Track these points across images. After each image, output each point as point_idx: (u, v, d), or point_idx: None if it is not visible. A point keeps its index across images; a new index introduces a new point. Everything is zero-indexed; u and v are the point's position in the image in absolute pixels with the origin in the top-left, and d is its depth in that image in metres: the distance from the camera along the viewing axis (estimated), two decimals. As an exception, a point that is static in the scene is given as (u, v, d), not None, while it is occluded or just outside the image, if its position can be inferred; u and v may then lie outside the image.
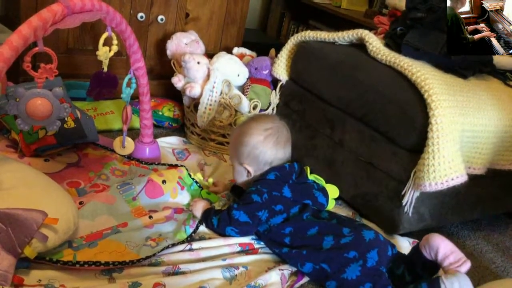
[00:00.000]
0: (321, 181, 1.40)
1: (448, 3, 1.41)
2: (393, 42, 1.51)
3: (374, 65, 1.47)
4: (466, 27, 1.42)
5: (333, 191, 1.41)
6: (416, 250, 1.11)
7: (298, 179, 1.28)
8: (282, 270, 1.15)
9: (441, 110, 1.23)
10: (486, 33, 1.40)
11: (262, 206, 1.20)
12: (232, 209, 1.21)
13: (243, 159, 1.28)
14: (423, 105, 1.26)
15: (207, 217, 1.25)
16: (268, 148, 1.25)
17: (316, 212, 1.24)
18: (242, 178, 1.31)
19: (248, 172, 1.28)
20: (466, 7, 1.43)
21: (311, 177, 1.36)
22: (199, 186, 1.43)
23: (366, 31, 1.57)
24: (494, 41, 1.41)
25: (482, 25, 1.41)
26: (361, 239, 1.11)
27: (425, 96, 1.27)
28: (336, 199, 1.55)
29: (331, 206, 1.40)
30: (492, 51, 1.42)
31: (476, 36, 1.41)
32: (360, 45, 1.59)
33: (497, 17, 1.40)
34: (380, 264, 1.09)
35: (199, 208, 1.28)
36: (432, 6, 1.43)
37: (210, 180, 1.44)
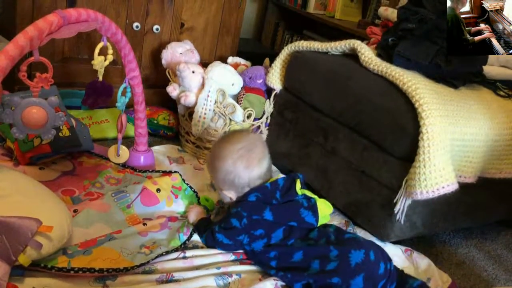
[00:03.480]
0: (312, 196, 1.28)
1: (449, 3, 1.41)
2: (385, 52, 1.53)
3: (366, 75, 1.49)
4: (467, 28, 1.42)
5: (326, 207, 1.27)
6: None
7: (284, 197, 1.20)
8: (276, 280, 1.15)
9: (432, 119, 1.25)
10: (487, 34, 1.40)
11: (241, 231, 1.18)
12: (215, 232, 1.21)
13: (221, 185, 1.25)
14: (414, 114, 1.28)
15: (199, 230, 1.26)
16: (240, 171, 1.19)
17: (304, 232, 1.19)
18: (226, 200, 1.27)
19: (230, 197, 1.25)
20: (466, 7, 1.43)
21: (302, 192, 1.24)
22: (194, 191, 1.44)
23: (359, 42, 1.59)
24: (494, 41, 1.41)
25: (483, 25, 1.41)
26: (347, 264, 1.08)
27: (416, 105, 1.28)
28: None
29: (325, 220, 1.27)
30: (492, 51, 1.42)
31: (477, 38, 1.41)
32: (352, 55, 1.61)
33: (497, 17, 1.40)
34: None
35: (194, 214, 1.29)
36: (423, 18, 1.45)
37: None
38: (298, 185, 1.22)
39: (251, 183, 1.21)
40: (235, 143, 1.21)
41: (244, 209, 1.18)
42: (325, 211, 1.24)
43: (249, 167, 1.20)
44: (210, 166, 1.27)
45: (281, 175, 1.26)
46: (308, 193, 1.25)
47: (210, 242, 1.23)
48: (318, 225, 1.21)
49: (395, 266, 1.18)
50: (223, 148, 1.22)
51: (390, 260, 1.16)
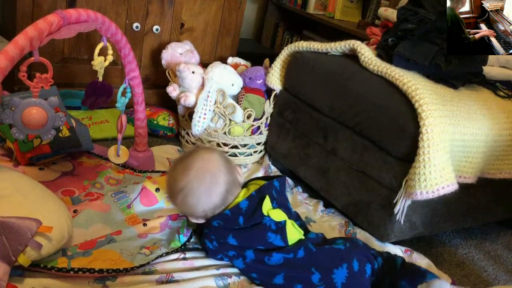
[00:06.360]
0: (282, 217, 1.15)
1: (448, 3, 1.41)
2: (385, 52, 1.53)
3: (366, 75, 1.49)
4: (467, 29, 1.42)
5: (295, 232, 1.16)
6: None
7: (249, 221, 1.12)
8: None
9: (432, 120, 1.25)
10: (485, 31, 1.39)
11: (217, 251, 1.17)
12: (203, 245, 1.21)
13: (186, 215, 1.23)
14: (414, 115, 1.28)
15: (198, 234, 1.26)
16: (192, 207, 1.14)
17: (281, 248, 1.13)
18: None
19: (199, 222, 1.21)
20: (466, 7, 1.42)
21: (270, 212, 1.13)
22: None
23: (358, 42, 1.59)
24: (494, 41, 1.40)
25: (485, 28, 1.41)
26: None
27: (416, 106, 1.28)
28: (329, 207, 1.57)
29: (298, 237, 1.17)
30: (492, 52, 1.41)
31: (477, 35, 1.40)
32: (352, 56, 1.61)
33: (497, 17, 1.40)
34: None
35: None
36: (422, 18, 1.45)
37: None
38: (266, 205, 1.13)
39: (209, 214, 1.15)
40: (177, 183, 1.14)
41: (211, 232, 1.16)
42: (294, 236, 1.15)
43: (198, 203, 1.13)
44: None
45: (250, 193, 1.16)
46: (277, 215, 1.14)
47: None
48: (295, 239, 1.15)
49: (388, 256, 1.19)
50: (169, 187, 1.17)
51: (375, 256, 1.16)
